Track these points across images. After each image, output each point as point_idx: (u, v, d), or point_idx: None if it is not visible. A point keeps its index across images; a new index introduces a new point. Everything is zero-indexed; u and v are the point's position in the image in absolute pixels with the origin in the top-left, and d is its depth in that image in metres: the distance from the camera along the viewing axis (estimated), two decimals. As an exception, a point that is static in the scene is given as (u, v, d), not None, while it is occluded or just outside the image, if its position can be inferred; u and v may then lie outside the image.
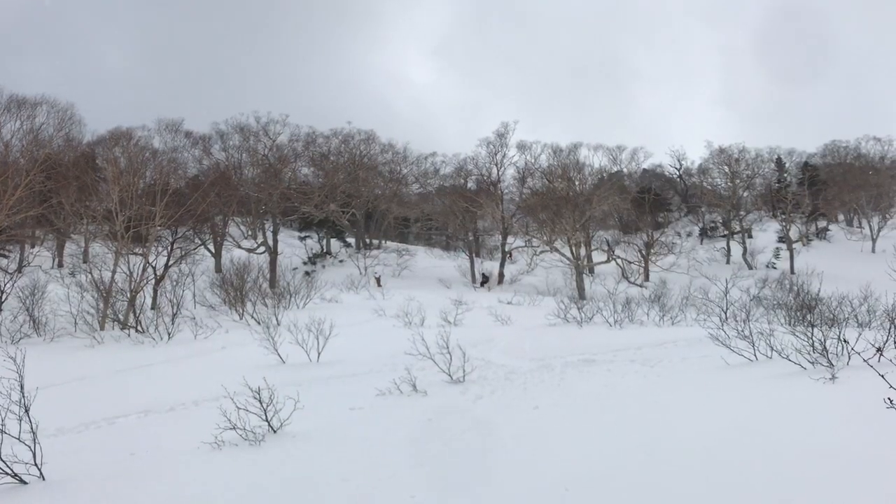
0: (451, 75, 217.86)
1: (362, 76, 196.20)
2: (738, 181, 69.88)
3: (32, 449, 7.39)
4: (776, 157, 75.70)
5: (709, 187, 73.70)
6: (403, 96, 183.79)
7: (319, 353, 16.41)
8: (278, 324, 22.76)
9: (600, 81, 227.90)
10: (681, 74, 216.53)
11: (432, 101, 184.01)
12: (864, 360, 6.68)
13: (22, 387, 7.92)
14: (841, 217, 78.01)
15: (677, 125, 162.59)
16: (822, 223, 72.36)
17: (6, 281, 29.01)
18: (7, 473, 7.15)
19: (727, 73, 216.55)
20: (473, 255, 58.02)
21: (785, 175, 76.26)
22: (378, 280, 50.30)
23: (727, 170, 70.97)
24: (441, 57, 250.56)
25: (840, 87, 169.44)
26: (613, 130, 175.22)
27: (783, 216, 62.86)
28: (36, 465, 7.38)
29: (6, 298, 28.16)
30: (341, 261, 59.43)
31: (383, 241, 68.37)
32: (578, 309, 23.74)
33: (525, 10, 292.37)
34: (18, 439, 7.47)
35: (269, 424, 8.87)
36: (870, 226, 65.89)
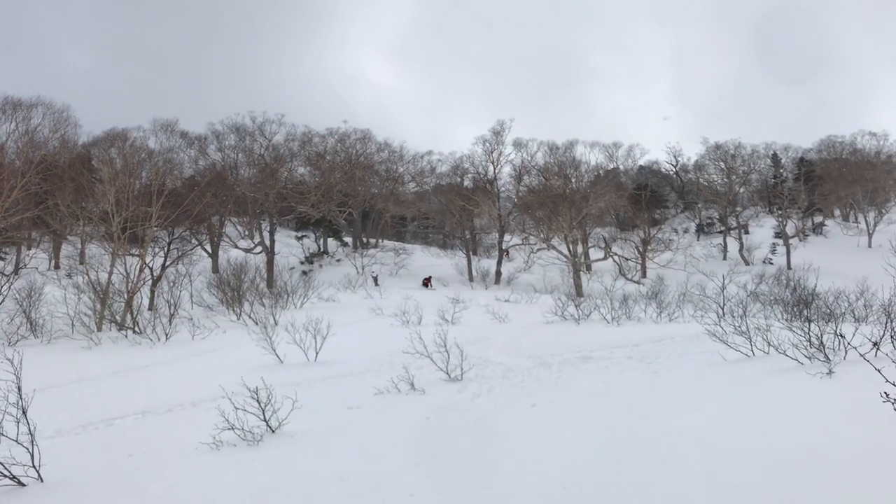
0: (411, 76, 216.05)
1: (319, 78, 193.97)
2: (734, 177, 69.98)
3: (30, 451, 7.40)
4: (772, 152, 75.83)
5: (705, 183, 73.78)
6: (362, 97, 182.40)
7: (317, 353, 16.42)
8: (276, 324, 22.76)
9: (558, 81, 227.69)
10: (635, 74, 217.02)
11: (393, 102, 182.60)
12: (861, 356, 6.70)
13: (19, 389, 7.92)
14: (837, 212, 78.17)
15: (634, 124, 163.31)
16: (818, 218, 72.53)
17: (3, 283, 28.94)
18: (5, 475, 7.16)
19: (680, 71, 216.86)
20: (470, 253, 58.01)
21: (781, 171, 76.38)
22: (375, 279, 50.29)
23: (723, 166, 71.08)
24: (401, 58, 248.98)
25: (834, 82, 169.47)
26: (575, 130, 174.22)
27: (779, 212, 62.98)
28: (34, 466, 7.38)
29: (3, 300, 28.09)
30: (338, 260, 59.39)
31: (380, 241, 68.33)
32: (576, 306, 23.76)
33: (481, 10, 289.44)
34: (16, 441, 7.47)
35: (268, 424, 8.88)
36: (866, 221, 66.05)
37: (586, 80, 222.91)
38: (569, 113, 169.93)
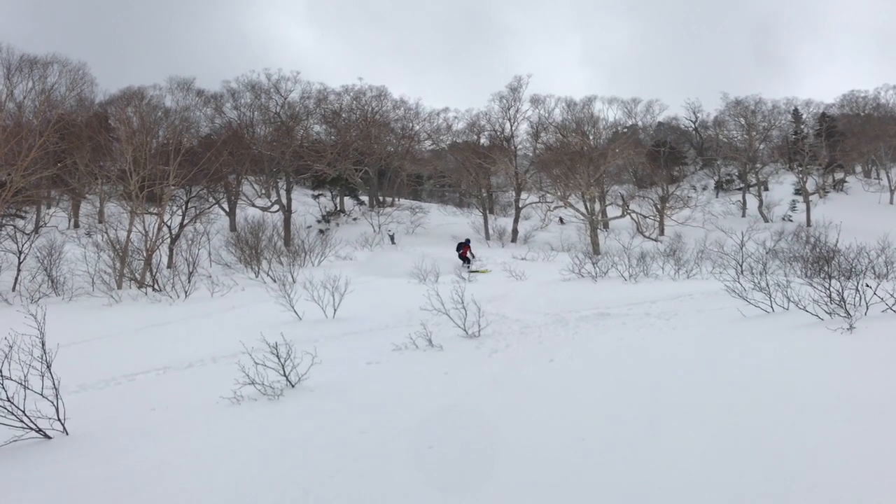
0: (329, 41, 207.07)
1: (241, 39, 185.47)
2: (754, 133, 69.04)
3: (55, 405, 7.52)
4: (793, 108, 74.53)
5: (725, 140, 72.85)
6: (285, 60, 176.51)
7: (335, 310, 16.50)
8: (294, 281, 22.88)
9: (475, 41, 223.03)
10: (549, 33, 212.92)
11: (316, 65, 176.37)
12: (888, 306, 6.63)
13: (43, 344, 8.03)
14: (858, 168, 76.99)
15: (551, 83, 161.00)
16: (839, 175, 71.49)
17: (24, 241, 29.26)
18: (32, 428, 7.29)
19: (587, 30, 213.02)
20: (487, 211, 57.84)
21: (802, 126, 75.15)
22: (392, 237, 50.34)
23: (743, 122, 70.09)
24: (315, 22, 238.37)
25: (862, 36, 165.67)
26: (495, 89, 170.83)
27: (800, 168, 62.15)
28: (59, 420, 7.52)
29: (24, 259, 28.43)
30: (355, 219, 59.44)
31: (396, 199, 68.24)
32: (593, 264, 23.67)
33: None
34: (42, 395, 7.60)
35: (288, 379, 8.96)
36: (888, 177, 65.14)
37: (503, 39, 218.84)
38: (489, 73, 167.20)
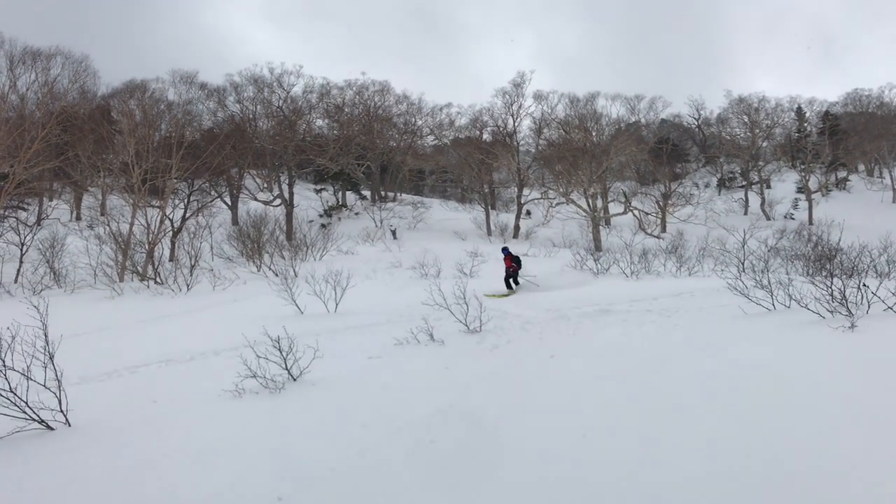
0: (287, 39, 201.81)
1: (205, 34, 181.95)
2: (757, 131, 68.87)
3: (58, 396, 7.55)
4: (797, 106, 74.30)
5: (727, 137, 72.65)
6: (247, 55, 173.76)
7: (337, 304, 16.53)
8: (296, 275, 22.92)
9: (431, 39, 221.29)
10: (504, 28, 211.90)
11: (276, 61, 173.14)
12: (888, 306, 6.64)
13: (46, 335, 8.05)
14: (861, 167, 76.83)
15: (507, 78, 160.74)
16: (841, 173, 71.35)
17: (26, 234, 29.30)
18: (34, 419, 7.31)
19: (542, 28, 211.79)
20: (489, 207, 57.81)
21: (805, 125, 74.92)
22: (394, 233, 50.35)
23: (746, 119, 69.92)
24: (271, 20, 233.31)
25: (864, 34, 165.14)
26: (450, 87, 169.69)
27: (802, 166, 62.02)
28: (62, 411, 7.54)
29: (27, 251, 28.48)
30: (357, 213, 59.42)
31: (398, 194, 68.19)
32: (595, 260, 23.70)
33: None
34: (44, 386, 7.62)
35: (289, 373, 8.99)
36: (891, 176, 65.02)
37: (456, 35, 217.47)
38: (443, 68, 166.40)
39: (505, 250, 21.05)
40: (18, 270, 27.59)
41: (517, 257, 20.71)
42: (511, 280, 20.17)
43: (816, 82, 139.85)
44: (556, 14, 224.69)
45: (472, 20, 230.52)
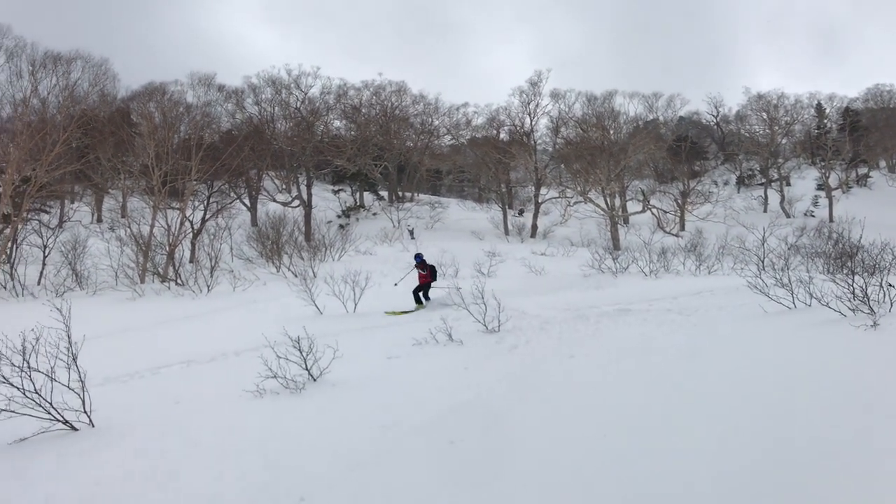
0: (290, 39, 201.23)
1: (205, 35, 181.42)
2: (776, 128, 68.31)
3: (81, 397, 7.62)
4: (816, 102, 73.59)
5: (746, 135, 72.11)
6: (250, 56, 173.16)
7: (356, 304, 16.59)
8: (315, 276, 23.02)
9: (430, 37, 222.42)
10: (505, 28, 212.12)
11: (280, 63, 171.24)
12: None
13: (69, 337, 8.14)
14: (882, 163, 75.93)
15: (507, 80, 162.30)
16: (862, 170, 70.59)
17: (48, 236, 29.62)
18: (59, 420, 7.40)
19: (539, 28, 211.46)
20: (506, 206, 57.75)
21: (825, 121, 74.20)
22: (411, 233, 50.40)
23: (765, 116, 69.37)
24: (271, 21, 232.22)
25: (887, 29, 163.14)
26: (450, 87, 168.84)
27: (822, 163, 61.49)
28: (85, 412, 7.62)
29: (49, 253, 28.78)
30: (374, 214, 59.54)
31: (416, 194, 68.24)
32: (613, 259, 23.62)
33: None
34: (68, 387, 7.70)
35: (310, 373, 9.03)
36: (913, 172, 64.30)
37: (456, 33, 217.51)
38: (441, 68, 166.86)
39: (418, 257, 18.33)
40: (41, 273, 27.90)
41: (433, 267, 18.28)
42: (421, 293, 17.50)
43: (831, 79, 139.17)
44: (555, 14, 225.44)
45: (467, 19, 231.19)
